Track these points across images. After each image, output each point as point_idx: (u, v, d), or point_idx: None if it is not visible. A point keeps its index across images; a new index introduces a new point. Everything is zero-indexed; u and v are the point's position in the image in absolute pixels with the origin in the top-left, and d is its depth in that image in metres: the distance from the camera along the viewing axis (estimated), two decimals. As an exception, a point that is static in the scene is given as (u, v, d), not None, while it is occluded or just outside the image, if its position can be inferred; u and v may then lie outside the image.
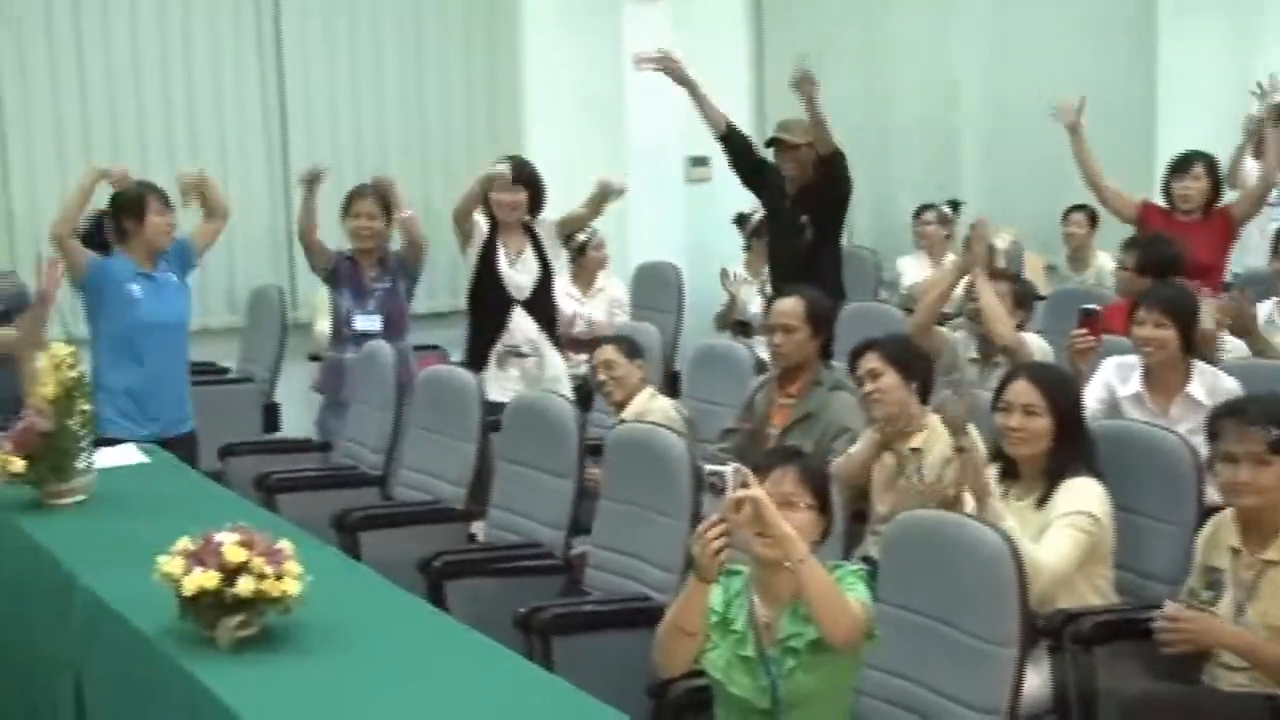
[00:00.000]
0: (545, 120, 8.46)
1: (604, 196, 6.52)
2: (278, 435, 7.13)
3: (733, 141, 6.96)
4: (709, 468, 3.15)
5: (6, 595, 4.39)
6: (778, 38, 8.96)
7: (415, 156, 8.16)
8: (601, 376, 5.59)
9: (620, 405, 5.52)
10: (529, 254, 6.51)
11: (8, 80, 7.31)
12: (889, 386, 4.53)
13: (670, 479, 4.22)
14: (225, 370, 7.46)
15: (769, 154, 6.93)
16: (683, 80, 6.88)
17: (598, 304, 7.69)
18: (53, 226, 5.78)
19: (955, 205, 8.54)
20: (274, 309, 7.43)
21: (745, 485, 3.10)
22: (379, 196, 6.56)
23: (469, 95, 8.38)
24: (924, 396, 4.57)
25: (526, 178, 6.51)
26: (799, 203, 6.76)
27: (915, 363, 4.63)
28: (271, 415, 7.19)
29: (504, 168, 6.44)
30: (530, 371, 6.41)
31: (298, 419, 7.28)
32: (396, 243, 6.70)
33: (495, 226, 6.50)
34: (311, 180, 6.48)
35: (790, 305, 5.13)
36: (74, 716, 3.74)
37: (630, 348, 5.65)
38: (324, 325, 7.04)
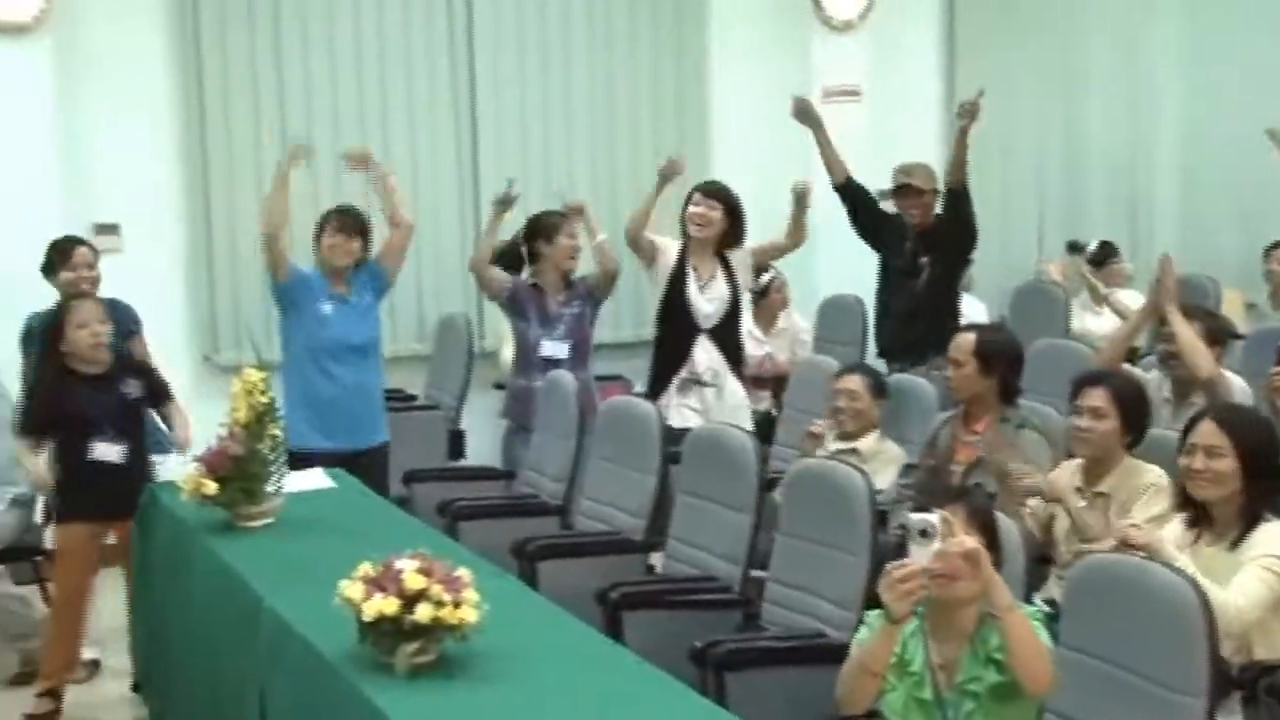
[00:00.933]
0: (732, 146, 8.47)
1: (802, 207, 6.51)
2: (462, 463, 7.20)
3: (852, 193, 6.96)
4: (915, 516, 3.12)
5: (200, 613, 4.51)
6: (969, 70, 8.84)
7: (603, 184, 8.22)
8: (841, 404, 5.55)
9: (848, 436, 5.50)
10: (719, 280, 6.50)
11: (211, 93, 7.53)
12: (1107, 431, 4.44)
13: (851, 516, 4.17)
14: (413, 397, 7.58)
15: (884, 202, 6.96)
16: (814, 122, 6.82)
17: (780, 343, 7.66)
18: (260, 227, 5.96)
19: (1076, 247, 8.34)
20: (461, 337, 7.53)
21: (951, 533, 3.10)
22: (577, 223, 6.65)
23: (656, 123, 8.42)
24: (1133, 445, 4.49)
25: (724, 198, 6.52)
26: (921, 244, 6.74)
27: (1140, 409, 4.53)
28: (457, 442, 7.27)
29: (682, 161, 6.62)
30: (710, 400, 6.40)
31: (483, 446, 7.36)
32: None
33: (686, 250, 6.51)
34: (504, 203, 6.56)
35: (961, 340, 5.07)
36: (257, 730, 3.82)
37: (878, 386, 5.60)
38: (508, 353, 7.11)
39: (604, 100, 8.33)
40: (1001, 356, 5.07)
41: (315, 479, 5.27)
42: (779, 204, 6.78)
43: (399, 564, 3.41)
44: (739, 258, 6.57)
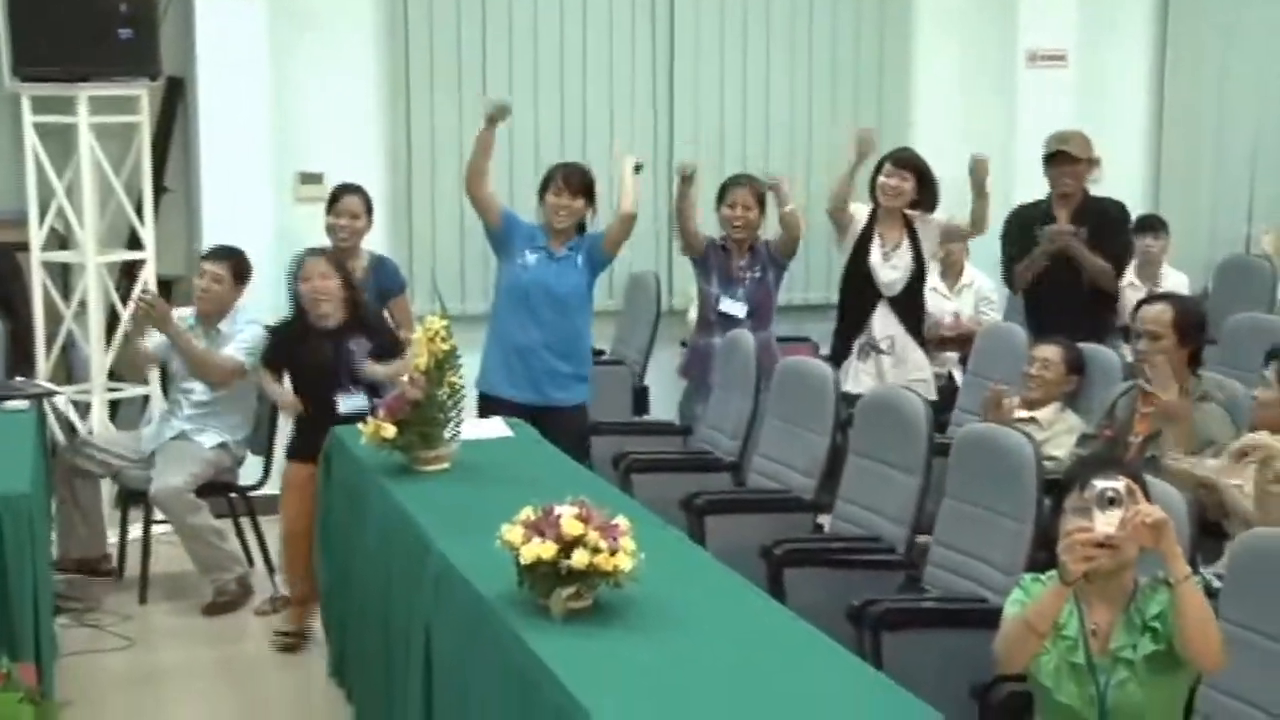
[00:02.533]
0: (934, 113, 8.38)
1: (982, 188, 6.40)
2: (645, 417, 7.27)
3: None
4: (1102, 483, 3.10)
5: (375, 553, 4.65)
6: (1182, 38, 8.59)
7: (800, 151, 8.20)
8: (1033, 371, 5.50)
9: (1032, 404, 5.44)
10: (904, 248, 6.46)
11: (416, 49, 7.70)
12: None
13: (1017, 482, 4.13)
14: (600, 352, 7.67)
15: None
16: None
17: (965, 300, 7.55)
18: (466, 183, 6.05)
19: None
20: (650, 295, 7.60)
21: (1135, 499, 3.09)
22: (753, 189, 6.64)
23: (856, 88, 8.36)
24: None
25: (915, 166, 6.48)
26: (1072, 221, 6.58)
27: None
28: (641, 398, 7.35)
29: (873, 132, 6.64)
30: (887, 368, 6.38)
31: (667, 402, 7.43)
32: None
33: (874, 217, 6.47)
34: (687, 176, 6.60)
35: (1158, 312, 4.94)
36: (423, 667, 3.94)
37: (1075, 359, 5.53)
38: (695, 313, 7.21)
39: (803, 64, 8.28)
40: (1197, 328, 4.96)
41: (494, 427, 5.37)
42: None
43: (558, 510, 3.48)
44: (927, 229, 6.50)
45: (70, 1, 6.67)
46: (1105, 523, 3.08)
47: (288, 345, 5.72)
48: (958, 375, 6.93)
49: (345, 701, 5.08)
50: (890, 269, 6.44)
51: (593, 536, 3.42)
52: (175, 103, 7.57)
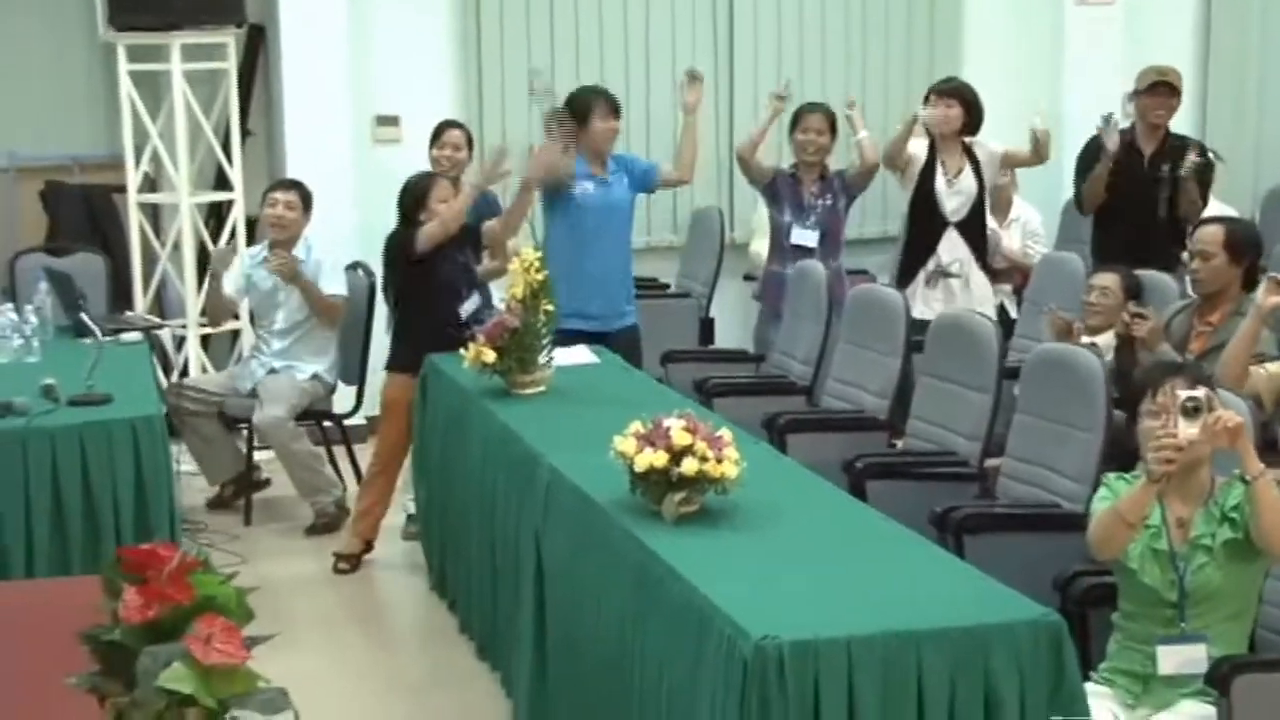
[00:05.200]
0: (984, 49, 8.52)
1: (1040, 142, 6.68)
2: (712, 347, 7.55)
3: None
4: (1184, 391, 3.43)
5: (478, 469, 4.97)
6: (1224, 33, 8.78)
7: (855, 84, 8.35)
8: (1093, 299, 5.67)
9: (1095, 330, 5.68)
10: (967, 173, 6.70)
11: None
12: None
13: (1087, 395, 4.40)
14: (665, 286, 7.95)
15: None
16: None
17: (1013, 234, 7.76)
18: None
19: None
20: (713, 229, 7.84)
21: (1213, 406, 3.41)
22: (826, 115, 6.89)
23: (910, 24, 8.51)
24: None
25: (959, 94, 6.71)
26: (1158, 157, 6.77)
27: None
28: (707, 329, 7.62)
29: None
30: (957, 291, 6.61)
31: (731, 333, 7.73)
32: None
33: (934, 147, 6.72)
34: (782, 98, 6.94)
35: (1210, 232, 5.18)
36: (534, 569, 4.27)
37: (1134, 285, 5.66)
38: (758, 245, 7.50)
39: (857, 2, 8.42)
40: (1249, 247, 5.19)
41: (580, 354, 5.67)
42: (1031, 109, 6.94)
43: (667, 422, 3.79)
44: (986, 154, 6.75)
45: (162, -48, 6.97)
46: (1187, 428, 3.39)
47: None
48: (1010, 307, 7.17)
49: (448, 611, 5.41)
50: (954, 195, 6.68)
51: (701, 446, 3.74)
52: (256, 49, 7.86)
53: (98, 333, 5.33)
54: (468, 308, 5.84)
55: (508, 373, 5.12)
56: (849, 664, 2.97)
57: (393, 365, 6.00)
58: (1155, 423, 3.50)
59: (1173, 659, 3.44)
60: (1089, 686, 3.33)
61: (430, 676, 5.03)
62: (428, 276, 5.83)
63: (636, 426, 3.82)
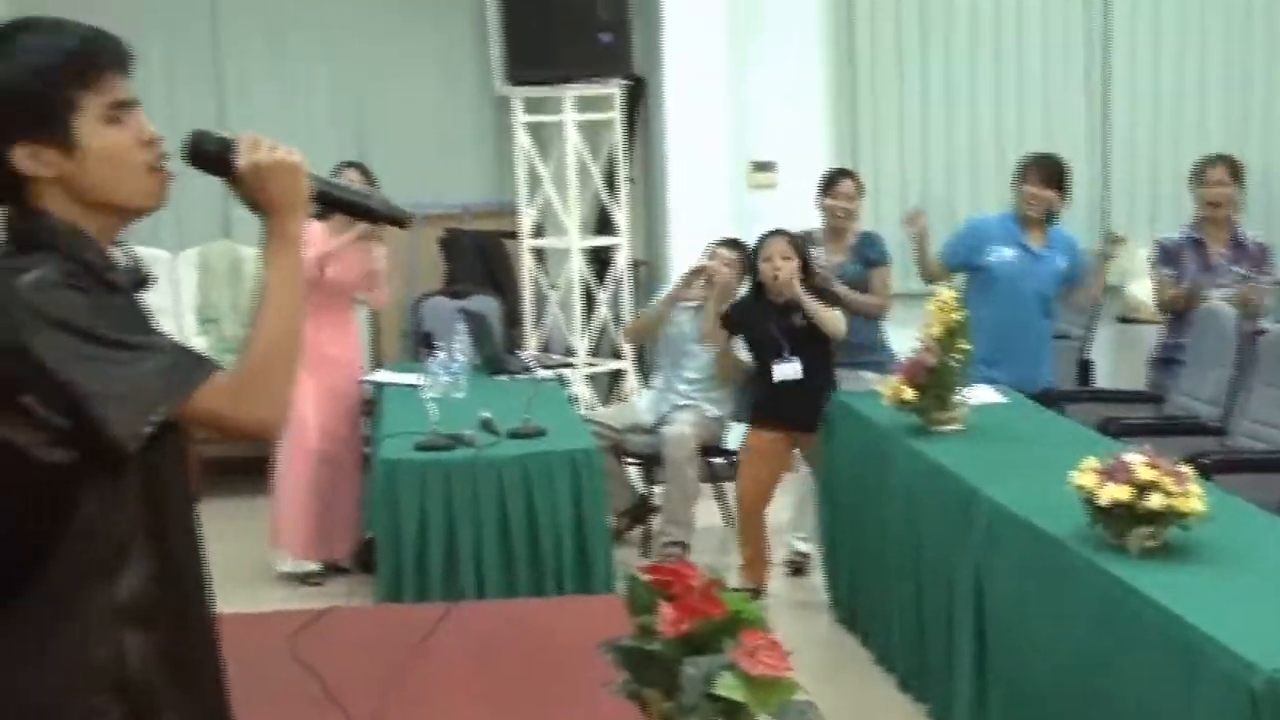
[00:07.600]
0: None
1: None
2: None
3: None
4: None
5: (901, 505, 5.04)
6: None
7: (1236, 124, 8.23)
8: None
9: None
10: None
11: (860, 38, 8.09)
12: None
13: None
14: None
15: None
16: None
17: None
18: None
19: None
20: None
21: None
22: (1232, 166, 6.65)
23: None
24: None
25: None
26: None
27: None
28: (1086, 370, 7.56)
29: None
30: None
31: (1111, 377, 7.68)
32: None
33: None
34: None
35: None
36: (973, 600, 4.32)
37: None
38: (1135, 288, 7.39)
39: (1239, 29, 8.24)
40: None
41: (989, 394, 5.70)
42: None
43: (1127, 458, 3.81)
44: None
45: (556, 9, 7.29)
46: None
47: (733, 315, 6.23)
48: None
49: (859, 645, 5.50)
50: None
51: (1166, 481, 3.75)
52: (636, 100, 8.15)
53: (533, 369, 5.60)
54: (782, 371, 5.99)
55: (925, 410, 5.19)
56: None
57: (751, 417, 6.33)
58: None
59: None
60: None
61: (853, 709, 5.10)
62: (754, 336, 6.17)
63: (1093, 462, 3.85)
